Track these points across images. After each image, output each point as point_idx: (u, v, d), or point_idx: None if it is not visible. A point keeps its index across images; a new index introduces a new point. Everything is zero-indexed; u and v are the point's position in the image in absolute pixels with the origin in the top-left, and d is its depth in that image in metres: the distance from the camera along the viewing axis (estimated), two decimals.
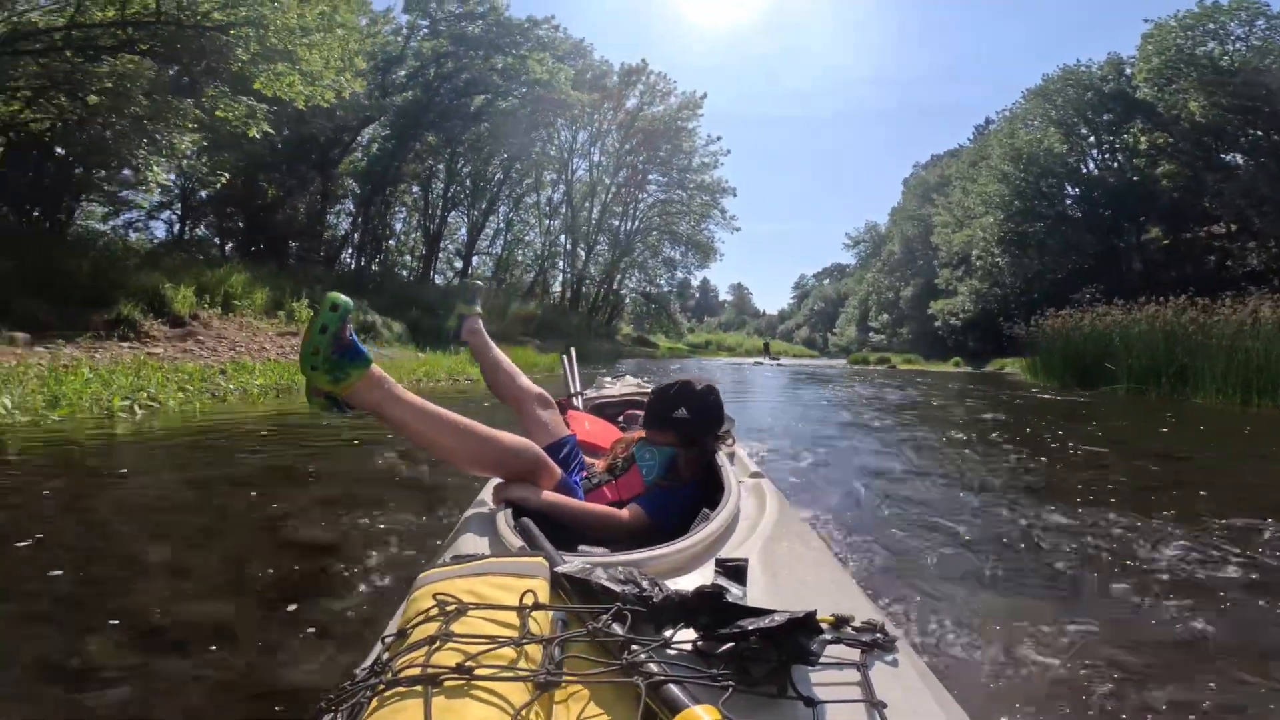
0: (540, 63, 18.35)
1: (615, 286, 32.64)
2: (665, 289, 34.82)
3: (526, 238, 28.68)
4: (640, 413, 1.99)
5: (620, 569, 0.74)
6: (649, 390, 2.46)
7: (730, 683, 0.57)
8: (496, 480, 1.29)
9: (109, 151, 8.23)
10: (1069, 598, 1.71)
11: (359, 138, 17.66)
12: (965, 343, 25.82)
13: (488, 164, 22.92)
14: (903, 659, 0.69)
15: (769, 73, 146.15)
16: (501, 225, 27.03)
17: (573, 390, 2.50)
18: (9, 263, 6.92)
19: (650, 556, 0.90)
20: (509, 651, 0.58)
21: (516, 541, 0.95)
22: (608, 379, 3.60)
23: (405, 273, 21.88)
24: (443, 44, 18.25)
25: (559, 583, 0.74)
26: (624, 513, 1.30)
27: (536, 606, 0.64)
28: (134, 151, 8.08)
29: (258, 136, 8.30)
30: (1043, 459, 3.88)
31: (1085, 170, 23.61)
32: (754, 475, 1.43)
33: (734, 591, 0.73)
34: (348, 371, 1.12)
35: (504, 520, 1.04)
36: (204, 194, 12.68)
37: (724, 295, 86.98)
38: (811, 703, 0.57)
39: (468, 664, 0.54)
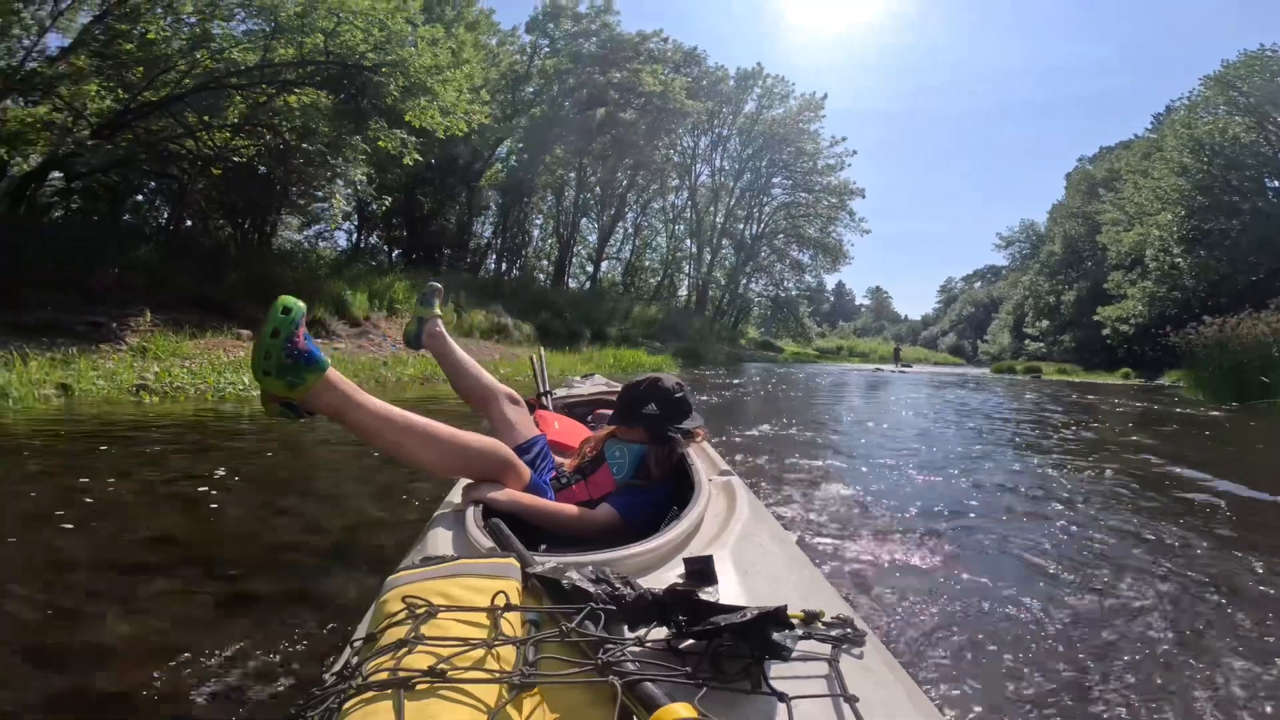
0: (653, 75, 19.16)
1: (741, 290, 32.71)
2: (793, 292, 34.28)
3: (653, 242, 29.73)
4: (609, 412, 2.02)
5: (592, 568, 0.74)
6: (618, 389, 2.46)
7: (704, 679, 0.58)
8: (466, 480, 1.27)
9: (306, 178, 10.22)
10: (1038, 591, 1.74)
11: (497, 151, 19.44)
12: (1140, 352, 22.83)
13: (614, 172, 23.98)
14: (872, 653, 0.70)
15: (905, 67, 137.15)
16: (629, 230, 28.36)
17: (542, 390, 2.48)
18: (237, 274, 8.90)
19: (622, 555, 0.90)
20: (481, 653, 0.57)
21: (487, 542, 0.94)
22: (576, 378, 3.61)
23: (541, 277, 23.56)
24: (563, 61, 19.56)
25: (531, 583, 0.74)
26: (595, 512, 1.29)
27: (508, 608, 0.64)
28: (320, 178, 9.98)
29: (410, 164, 9.85)
30: (1037, 456, 3.89)
31: None
32: (723, 473, 1.45)
33: (706, 589, 0.74)
34: (303, 376, 1.09)
35: (474, 520, 1.03)
36: (373, 206, 14.88)
37: (860, 299, 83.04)
38: (784, 697, 0.58)
39: (440, 667, 0.54)
